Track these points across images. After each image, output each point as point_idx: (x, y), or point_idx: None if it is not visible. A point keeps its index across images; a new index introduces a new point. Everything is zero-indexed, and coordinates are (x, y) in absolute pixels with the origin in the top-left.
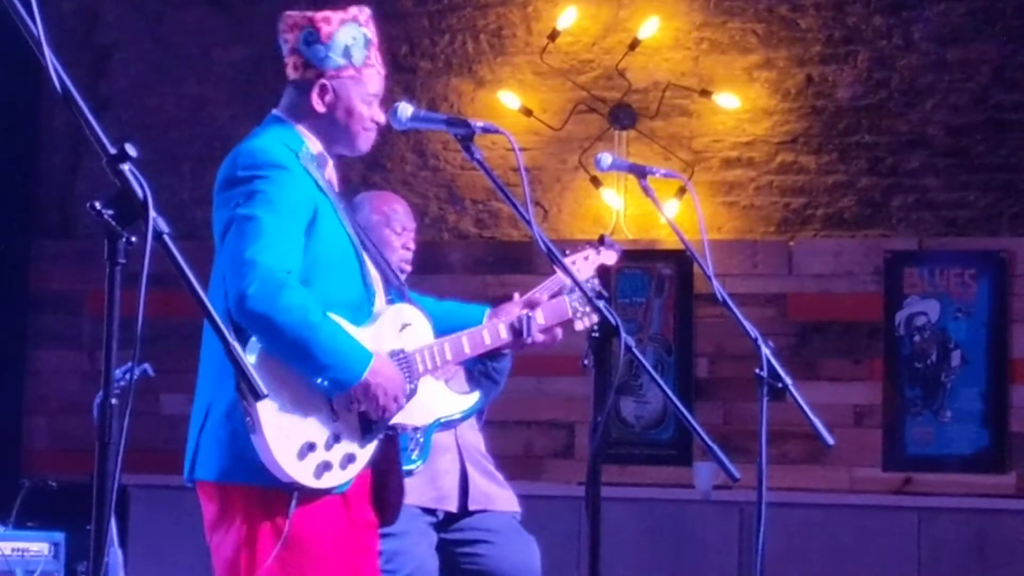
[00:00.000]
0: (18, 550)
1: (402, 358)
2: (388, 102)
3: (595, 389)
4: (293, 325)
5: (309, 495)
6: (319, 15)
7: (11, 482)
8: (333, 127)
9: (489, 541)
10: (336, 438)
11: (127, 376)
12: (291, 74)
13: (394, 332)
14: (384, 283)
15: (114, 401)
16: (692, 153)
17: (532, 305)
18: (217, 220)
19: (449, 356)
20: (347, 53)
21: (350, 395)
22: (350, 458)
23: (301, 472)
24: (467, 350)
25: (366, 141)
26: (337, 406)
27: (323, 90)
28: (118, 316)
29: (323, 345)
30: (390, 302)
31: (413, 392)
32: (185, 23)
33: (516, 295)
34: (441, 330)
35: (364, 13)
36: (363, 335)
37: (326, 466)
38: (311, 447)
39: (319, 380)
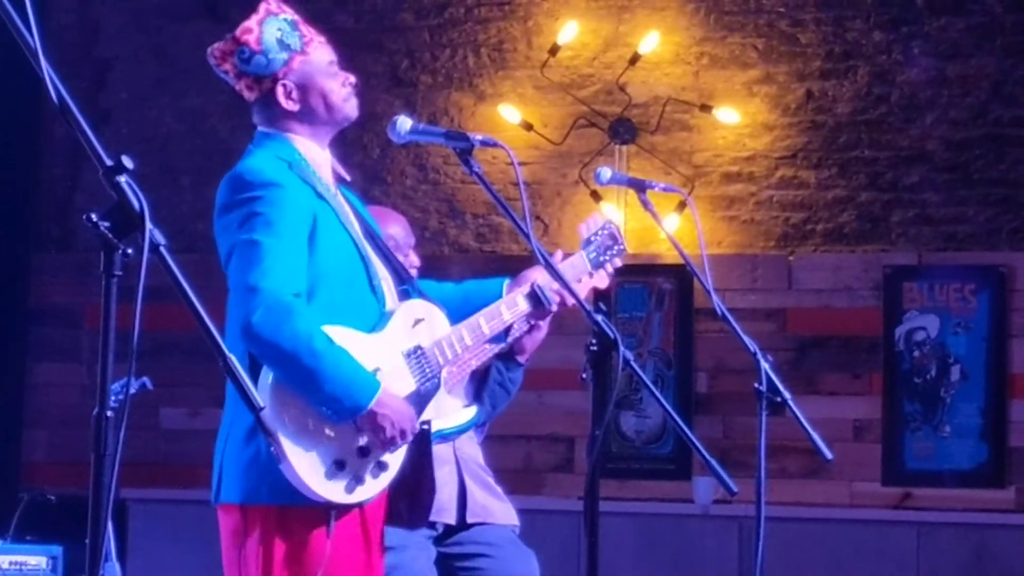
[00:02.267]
0: (16, 563)
1: (420, 355)
2: (389, 116)
3: (594, 403)
4: (298, 354)
5: (340, 512)
6: (239, 32)
7: (10, 495)
8: (314, 116)
9: (488, 555)
10: (364, 451)
11: (124, 389)
12: (249, 96)
13: (407, 330)
14: (395, 277)
15: (109, 413)
16: (692, 168)
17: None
18: (220, 247)
19: (469, 341)
20: (283, 45)
21: (356, 425)
22: (382, 466)
23: (334, 491)
24: (486, 330)
25: (352, 106)
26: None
27: (286, 89)
28: (114, 328)
29: (328, 374)
30: (404, 295)
31: (436, 387)
32: (185, 36)
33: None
34: (463, 313)
35: (273, 2)
36: (376, 339)
37: (358, 480)
38: (340, 465)
39: (323, 409)
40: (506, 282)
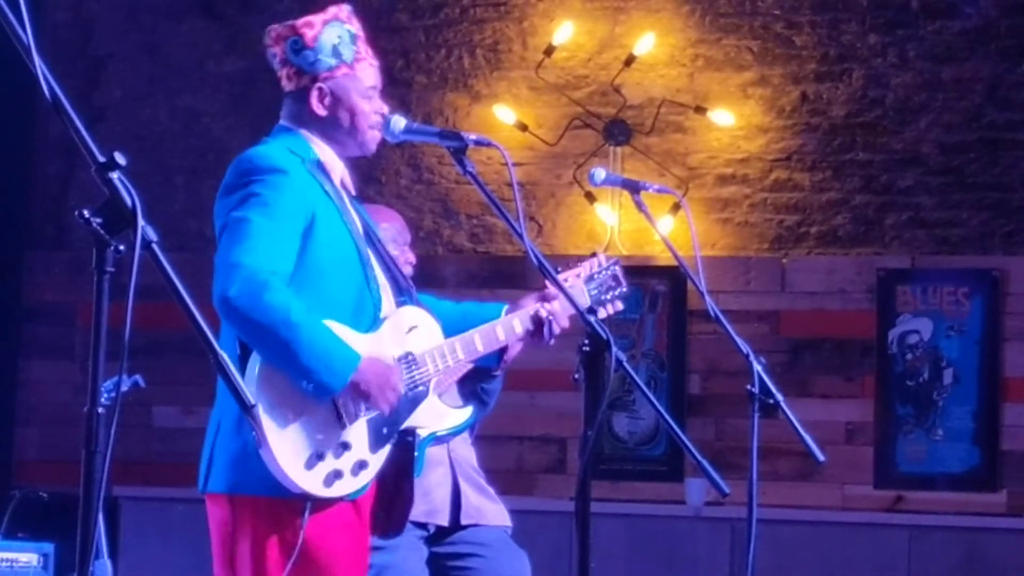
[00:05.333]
0: (7, 561)
1: (410, 361)
2: (383, 118)
3: (586, 404)
4: (274, 325)
5: (322, 504)
6: (300, 22)
7: (2, 493)
8: (338, 129)
9: (480, 555)
10: (345, 446)
11: (116, 387)
12: (286, 85)
13: (400, 336)
14: (393, 286)
15: (101, 410)
16: (686, 169)
17: (547, 299)
18: (216, 226)
19: (461, 355)
20: (336, 52)
21: (341, 398)
22: (362, 464)
23: (311, 482)
24: (480, 347)
25: (373, 139)
26: (344, 413)
27: (321, 93)
28: (106, 325)
29: (305, 345)
30: (401, 304)
31: (424, 395)
32: (179, 34)
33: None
34: (459, 331)
35: (344, 10)
36: (368, 340)
37: (336, 474)
38: (320, 456)
39: (304, 383)
40: (505, 307)
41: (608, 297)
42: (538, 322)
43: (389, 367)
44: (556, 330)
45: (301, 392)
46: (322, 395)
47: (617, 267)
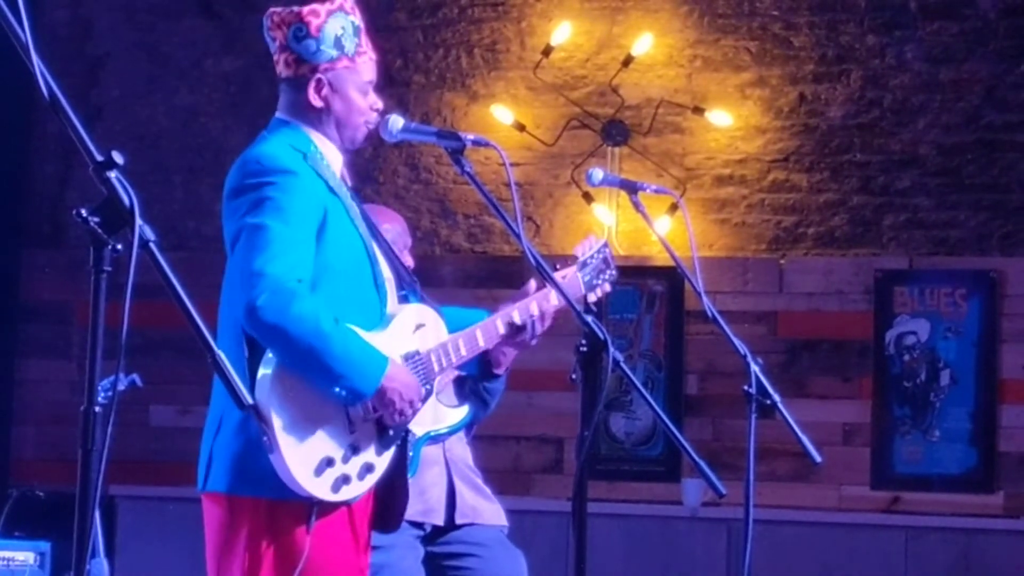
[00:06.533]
0: (3, 559)
1: (418, 359)
2: (381, 115)
3: (583, 404)
4: (305, 335)
5: (324, 510)
6: (306, 9)
7: None
8: (331, 121)
9: (476, 555)
10: (354, 449)
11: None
12: (283, 72)
13: (408, 333)
14: (397, 282)
15: (97, 408)
16: (684, 170)
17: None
18: (227, 231)
19: (464, 351)
20: (339, 44)
21: (368, 403)
22: (368, 468)
23: (320, 487)
24: (481, 343)
25: (361, 135)
26: (353, 416)
27: (319, 84)
28: (103, 324)
29: (337, 354)
30: (403, 300)
31: (429, 393)
32: (177, 34)
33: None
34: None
35: (349, 0)
36: (377, 339)
37: (344, 479)
38: (329, 462)
39: (336, 390)
40: (487, 315)
41: (599, 281)
42: (517, 325)
43: (413, 376)
44: (539, 330)
45: (311, 397)
46: (354, 400)
47: (607, 249)
